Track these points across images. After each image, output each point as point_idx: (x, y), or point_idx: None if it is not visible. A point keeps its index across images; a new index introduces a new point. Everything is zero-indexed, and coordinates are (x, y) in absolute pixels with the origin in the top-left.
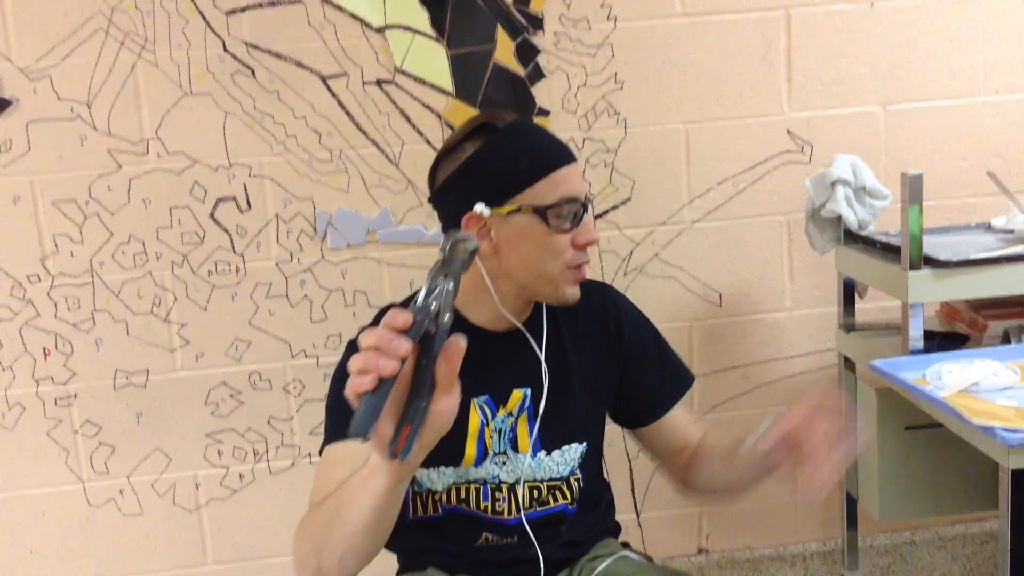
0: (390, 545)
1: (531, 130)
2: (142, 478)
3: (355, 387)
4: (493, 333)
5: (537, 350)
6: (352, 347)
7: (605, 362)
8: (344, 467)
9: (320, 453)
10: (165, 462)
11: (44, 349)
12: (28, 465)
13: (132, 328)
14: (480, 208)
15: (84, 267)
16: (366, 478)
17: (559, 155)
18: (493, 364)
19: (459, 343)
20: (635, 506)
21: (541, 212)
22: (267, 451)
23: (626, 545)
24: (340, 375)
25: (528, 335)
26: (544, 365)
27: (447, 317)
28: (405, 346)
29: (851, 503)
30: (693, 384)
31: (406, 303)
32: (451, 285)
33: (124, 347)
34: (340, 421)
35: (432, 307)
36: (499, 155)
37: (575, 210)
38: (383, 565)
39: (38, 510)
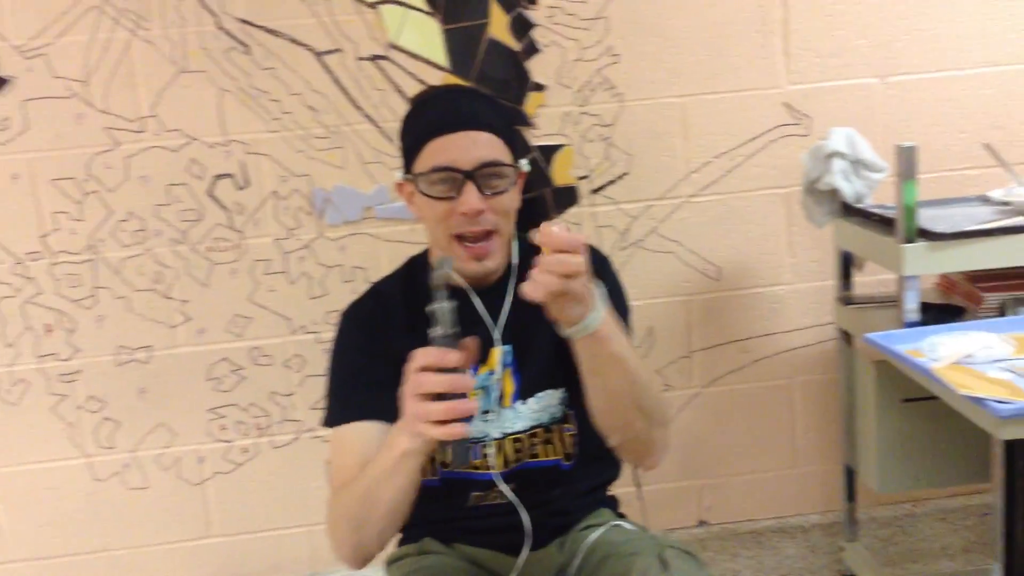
0: None
1: (430, 101)
2: (147, 452)
3: (454, 435)
4: (474, 290)
5: (486, 316)
6: (345, 320)
7: None
8: (359, 449)
9: (325, 425)
10: (169, 437)
11: (47, 325)
12: (33, 440)
13: (134, 304)
14: (398, 175)
15: (84, 244)
16: (398, 459)
17: (437, 125)
18: (473, 323)
19: (472, 341)
20: (635, 479)
21: (417, 180)
22: (269, 426)
23: (621, 516)
24: (340, 352)
25: (476, 298)
26: (499, 328)
27: (456, 328)
28: (470, 382)
29: (850, 475)
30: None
31: (408, 273)
32: (447, 304)
33: (126, 323)
34: (348, 399)
35: (449, 331)
36: (404, 127)
37: (447, 179)
38: None
39: (45, 485)
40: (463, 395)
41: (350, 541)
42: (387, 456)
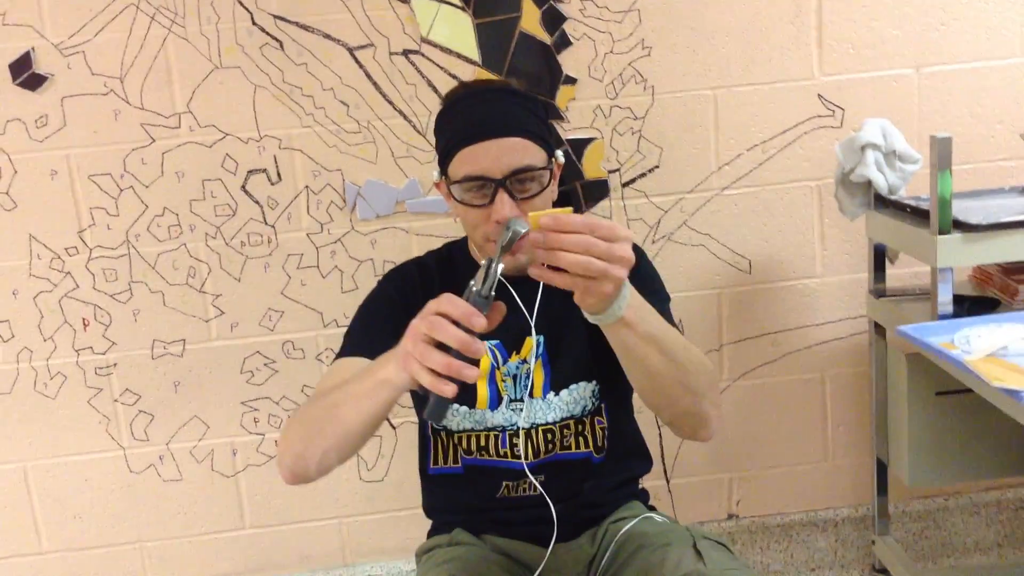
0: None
1: (459, 103)
2: (181, 445)
3: (442, 391)
4: (508, 280)
5: (522, 306)
6: (384, 278)
7: None
8: (348, 376)
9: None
10: (203, 429)
11: (83, 320)
12: (70, 433)
13: (168, 299)
14: (435, 175)
15: (120, 239)
16: (375, 385)
17: (467, 134)
18: (507, 311)
19: (502, 309)
20: (664, 472)
21: (450, 186)
22: None
23: (652, 509)
24: (369, 301)
25: (514, 293)
26: (532, 318)
27: (492, 291)
28: (483, 349)
29: (882, 469)
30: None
31: (448, 255)
32: (499, 266)
33: (161, 317)
34: (359, 339)
35: (484, 291)
36: (437, 129)
37: (478, 187)
38: (416, 527)
39: (81, 477)
40: (468, 359)
41: (295, 449)
42: (367, 377)
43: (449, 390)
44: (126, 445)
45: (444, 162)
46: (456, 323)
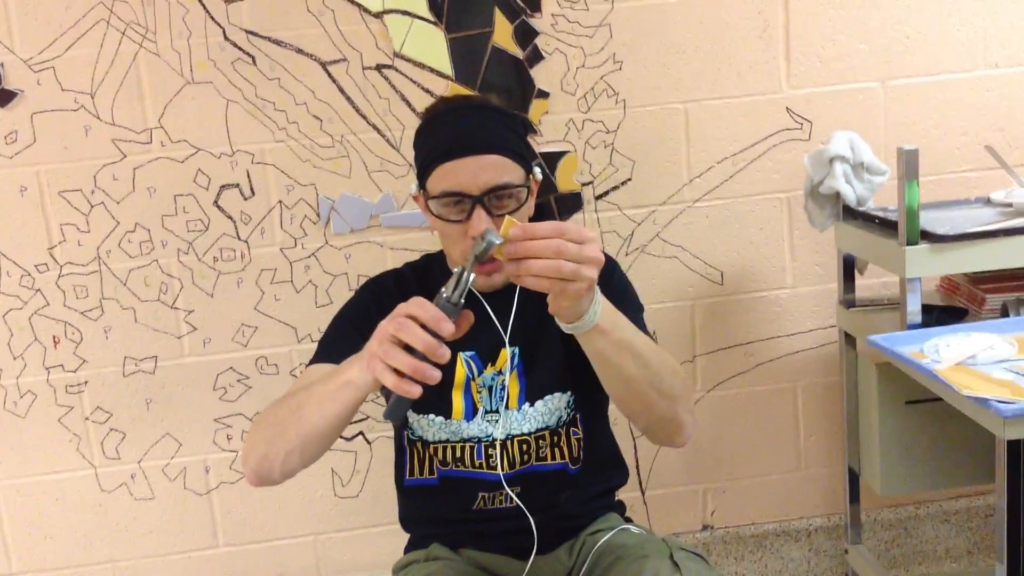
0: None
1: (438, 119)
2: (153, 463)
3: (406, 392)
4: (483, 294)
5: (495, 319)
6: (363, 287)
7: None
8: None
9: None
10: (175, 447)
11: (54, 337)
12: (41, 452)
13: (140, 315)
14: (413, 188)
15: (91, 256)
16: (340, 386)
17: (445, 150)
18: (483, 323)
19: (469, 317)
20: (640, 484)
21: (428, 201)
22: None
23: (628, 520)
24: (345, 309)
25: (487, 305)
26: (507, 330)
27: (462, 299)
28: (447, 356)
29: (853, 478)
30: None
31: (426, 267)
32: (471, 276)
33: (132, 334)
34: (331, 346)
35: (454, 298)
36: (416, 143)
37: (456, 203)
38: (392, 543)
39: (52, 496)
40: (433, 363)
41: (259, 451)
42: (331, 380)
43: (414, 391)
44: (97, 464)
45: (422, 176)
46: (424, 327)
